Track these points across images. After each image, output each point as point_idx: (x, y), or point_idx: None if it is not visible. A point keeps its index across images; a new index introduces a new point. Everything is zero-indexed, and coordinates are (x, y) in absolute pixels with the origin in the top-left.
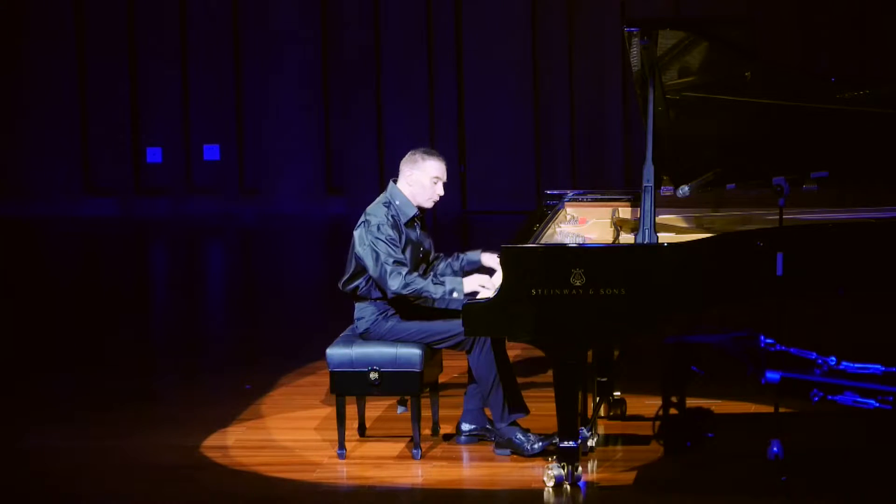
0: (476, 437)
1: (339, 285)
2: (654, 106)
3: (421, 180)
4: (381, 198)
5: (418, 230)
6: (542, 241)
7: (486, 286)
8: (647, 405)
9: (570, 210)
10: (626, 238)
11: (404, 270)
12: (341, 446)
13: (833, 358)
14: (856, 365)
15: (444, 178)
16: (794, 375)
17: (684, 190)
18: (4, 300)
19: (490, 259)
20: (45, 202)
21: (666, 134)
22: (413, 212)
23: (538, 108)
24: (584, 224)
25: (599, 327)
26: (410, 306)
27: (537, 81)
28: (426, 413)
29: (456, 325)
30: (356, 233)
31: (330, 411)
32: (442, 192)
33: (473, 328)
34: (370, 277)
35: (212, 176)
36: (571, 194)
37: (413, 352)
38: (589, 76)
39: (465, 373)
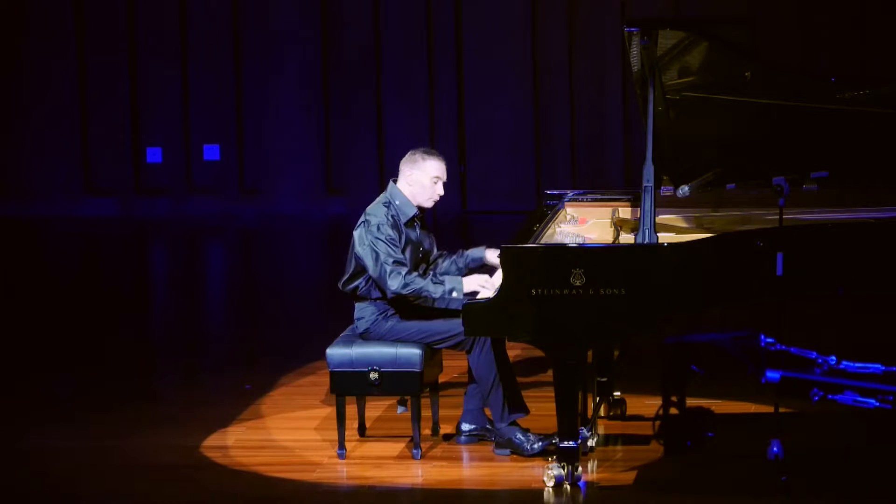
0: (476, 437)
1: (339, 285)
2: (654, 106)
3: (421, 180)
4: (381, 198)
5: (418, 230)
6: (542, 241)
7: (485, 286)
8: (647, 405)
9: (570, 210)
10: (626, 238)
11: (404, 270)
12: (341, 446)
13: (833, 357)
14: (856, 364)
15: (445, 177)
16: (795, 375)
17: (684, 190)
18: (4, 300)
19: (494, 255)
20: (45, 202)
21: (666, 134)
22: (413, 212)
23: (538, 108)
24: (584, 224)
25: (599, 327)
26: (410, 306)
27: (537, 81)
28: (426, 413)
29: (456, 325)
30: (356, 233)
31: (330, 411)
32: (442, 192)
33: (473, 328)
34: (370, 277)
35: (212, 176)
36: (571, 194)
37: (413, 352)
38: (589, 76)
39: (465, 373)
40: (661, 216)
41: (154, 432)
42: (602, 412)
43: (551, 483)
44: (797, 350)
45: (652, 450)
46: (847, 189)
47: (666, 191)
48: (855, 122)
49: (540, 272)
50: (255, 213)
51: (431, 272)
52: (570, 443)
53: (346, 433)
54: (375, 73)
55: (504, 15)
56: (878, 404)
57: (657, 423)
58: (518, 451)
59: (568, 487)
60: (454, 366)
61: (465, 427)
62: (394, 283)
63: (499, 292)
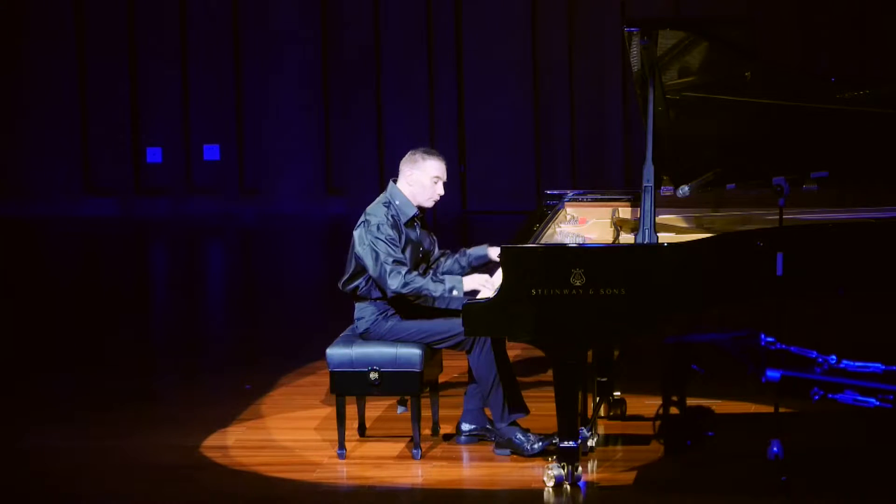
0: (476, 437)
1: (339, 285)
2: (654, 106)
3: (421, 180)
4: (381, 198)
5: (418, 230)
6: (542, 241)
7: (486, 285)
8: (647, 405)
9: (570, 210)
10: (626, 238)
11: (404, 270)
12: (341, 446)
13: (833, 356)
14: (856, 363)
15: (445, 177)
16: (795, 374)
17: (684, 190)
18: (4, 300)
19: (497, 252)
20: (45, 202)
21: (666, 134)
22: (413, 211)
23: (538, 108)
24: (584, 224)
25: (599, 327)
26: (410, 306)
27: (537, 81)
28: (426, 413)
29: (456, 324)
30: (356, 233)
31: (330, 411)
32: (442, 192)
33: (473, 328)
34: (370, 277)
35: (212, 176)
36: (571, 194)
37: (413, 352)
38: (589, 76)
39: (465, 373)
40: (661, 216)
41: (154, 432)
42: (602, 412)
43: (551, 483)
44: (797, 349)
45: (652, 450)
46: (847, 189)
47: (666, 191)
48: (855, 122)
49: (540, 272)
50: (255, 213)
51: (432, 271)
52: (570, 443)
53: (346, 433)
54: (375, 73)
55: (504, 15)
56: (878, 403)
57: (657, 422)
58: (518, 452)
59: (568, 487)
60: (454, 366)
61: (465, 427)
62: (394, 283)
63: (499, 292)
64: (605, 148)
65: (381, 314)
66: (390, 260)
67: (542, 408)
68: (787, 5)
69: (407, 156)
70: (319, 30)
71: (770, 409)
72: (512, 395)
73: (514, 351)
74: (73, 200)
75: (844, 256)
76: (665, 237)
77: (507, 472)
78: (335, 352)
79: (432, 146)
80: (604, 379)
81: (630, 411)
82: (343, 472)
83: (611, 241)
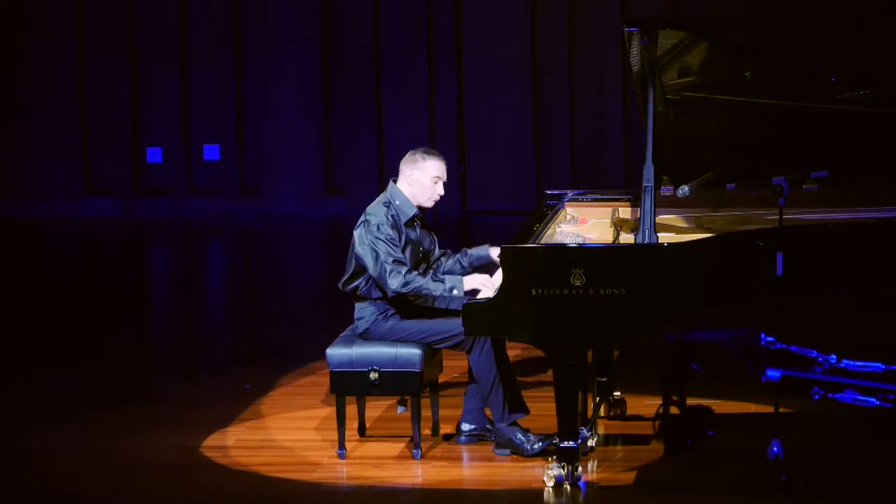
0: (476, 437)
1: (339, 285)
2: (654, 106)
3: (421, 180)
4: (381, 198)
5: (418, 230)
6: (542, 241)
7: (486, 284)
8: (647, 405)
9: (570, 210)
10: (626, 238)
11: (404, 269)
12: (341, 446)
13: (834, 356)
14: (856, 363)
15: (445, 177)
16: (795, 373)
17: (684, 190)
18: (4, 300)
19: (498, 253)
20: (45, 202)
21: (666, 134)
22: (413, 211)
23: (538, 108)
24: (584, 224)
25: (599, 327)
26: (410, 306)
27: (537, 81)
28: (426, 413)
29: (456, 324)
30: (356, 232)
31: (330, 411)
32: (442, 192)
33: (473, 328)
34: (370, 277)
35: (212, 176)
36: (571, 194)
37: (413, 352)
38: (589, 76)
39: (465, 373)
40: (661, 216)
41: (154, 432)
42: (602, 412)
43: (551, 483)
44: (797, 349)
45: (652, 450)
46: (847, 189)
47: (666, 191)
48: (855, 122)
49: (540, 272)
50: (255, 213)
51: (433, 271)
52: (570, 443)
53: (346, 433)
54: (375, 73)
55: (504, 15)
56: (878, 403)
57: (657, 422)
58: (518, 452)
59: (568, 487)
60: (454, 366)
61: (465, 427)
62: (394, 283)
63: (499, 292)
64: (605, 148)
65: (381, 314)
66: (390, 260)
67: (542, 408)
68: (787, 5)
69: (407, 156)
70: (319, 30)
71: (770, 409)
72: (512, 396)
73: (514, 351)
74: (73, 200)
75: (844, 256)
76: (665, 237)
77: (507, 472)
78: (335, 352)
79: (432, 146)
80: (604, 379)
81: (630, 411)
82: (343, 472)
83: (611, 241)
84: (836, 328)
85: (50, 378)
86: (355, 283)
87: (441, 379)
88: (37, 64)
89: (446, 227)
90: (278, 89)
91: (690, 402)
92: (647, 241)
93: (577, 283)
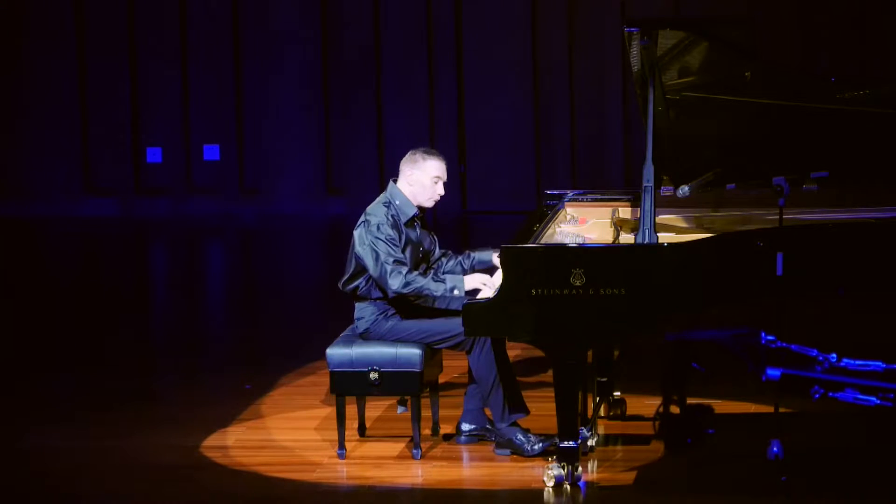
0: (476, 437)
1: (339, 285)
2: (654, 106)
3: (421, 180)
4: (381, 198)
5: (418, 230)
6: (542, 241)
7: (487, 284)
8: (647, 405)
9: (570, 210)
10: (626, 238)
11: (405, 270)
12: (341, 446)
13: (834, 355)
14: (857, 362)
15: (445, 177)
16: (795, 372)
17: (684, 190)
18: (4, 300)
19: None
20: (45, 202)
21: (666, 134)
22: (413, 211)
23: (538, 108)
24: (584, 224)
25: (599, 327)
26: (410, 306)
27: (537, 81)
28: (426, 413)
29: (456, 325)
30: (356, 232)
31: (330, 411)
32: (442, 192)
33: (473, 328)
34: (370, 277)
35: (212, 176)
36: (571, 194)
37: (413, 352)
38: (589, 76)
39: (465, 373)
40: (661, 216)
41: (154, 432)
42: (602, 412)
43: (551, 483)
44: (798, 347)
45: (652, 450)
46: (847, 189)
47: (666, 191)
48: (855, 122)
49: (540, 272)
50: (255, 213)
51: (433, 271)
52: (570, 443)
53: (346, 433)
54: (375, 73)
55: (504, 15)
56: (878, 402)
57: (657, 421)
58: (518, 452)
59: (568, 487)
60: (454, 366)
61: (465, 427)
62: (395, 283)
63: (499, 292)
64: (605, 148)
65: (381, 314)
66: (391, 260)
67: (542, 408)
68: (787, 5)
69: (407, 156)
70: (319, 30)
71: (770, 409)
72: (512, 396)
73: (514, 351)
74: (73, 200)
75: (844, 256)
76: (665, 237)
77: (507, 472)
78: (335, 352)
79: (432, 146)
80: (604, 379)
81: (630, 411)
82: (343, 472)
83: (611, 241)
84: (836, 328)
85: (50, 378)
86: (355, 283)
87: (441, 379)
88: (37, 64)
89: (446, 227)
90: (278, 89)
91: (690, 402)
92: (647, 241)
93: (577, 283)
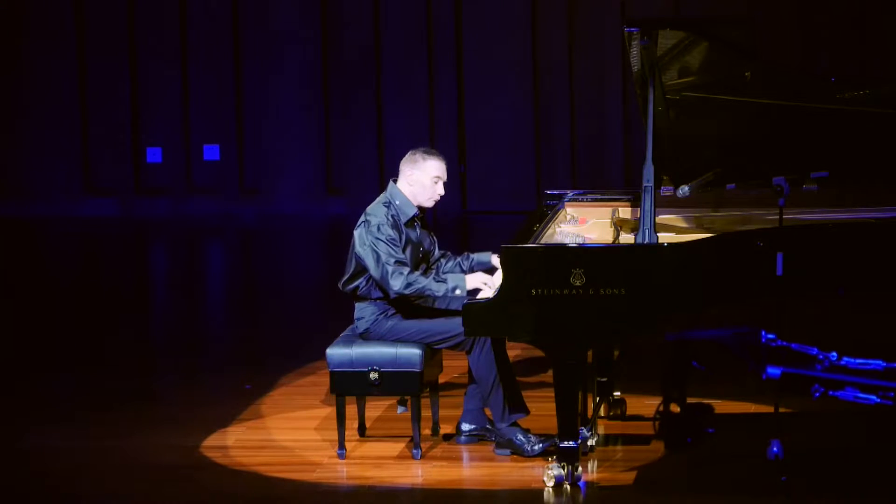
0: (476, 437)
1: (339, 285)
2: (654, 106)
3: (421, 180)
4: (381, 198)
5: (418, 230)
6: (542, 241)
7: (488, 283)
8: (647, 405)
9: (570, 210)
10: (626, 238)
11: (406, 270)
12: (341, 446)
13: (834, 353)
14: (857, 360)
15: (445, 177)
16: (796, 371)
17: (684, 190)
18: (4, 300)
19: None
20: (45, 202)
21: (666, 134)
22: (413, 211)
23: (538, 108)
24: (584, 224)
25: (599, 327)
26: (410, 306)
27: (537, 81)
28: (426, 413)
29: (456, 325)
30: (356, 233)
31: (330, 411)
32: (442, 192)
33: (473, 328)
34: (370, 277)
35: (212, 176)
36: (571, 194)
37: (413, 352)
38: (589, 76)
39: (465, 373)
40: (661, 216)
41: (154, 432)
42: (602, 412)
43: (551, 483)
44: (798, 346)
45: (652, 450)
46: (847, 189)
47: (666, 191)
48: (855, 122)
49: (540, 272)
50: (255, 213)
51: (434, 271)
52: (570, 443)
53: (346, 433)
54: (375, 73)
55: (504, 15)
56: (879, 401)
57: (658, 420)
58: (519, 453)
59: (568, 487)
60: (454, 366)
61: (465, 427)
62: (396, 283)
63: (499, 292)
64: (605, 148)
65: (381, 314)
66: (392, 261)
67: (542, 408)
68: (787, 5)
69: (407, 156)
70: (319, 30)
71: (770, 409)
72: (512, 396)
73: (514, 351)
74: (73, 200)
75: (844, 256)
76: (665, 237)
77: (507, 472)
78: (335, 352)
79: (432, 146)
80: (604, 379)
81: (630, 411)
82: (343, 472)
83: (611, 241)
84: (836, 328)
85: (50, 378)
86: (355, 283)
87: (441, 379)
88: (37, 64)
89: (446, 227)
90: (278, 89)
91: (690, 401)
92: (647, 241)
93: (577, 283)
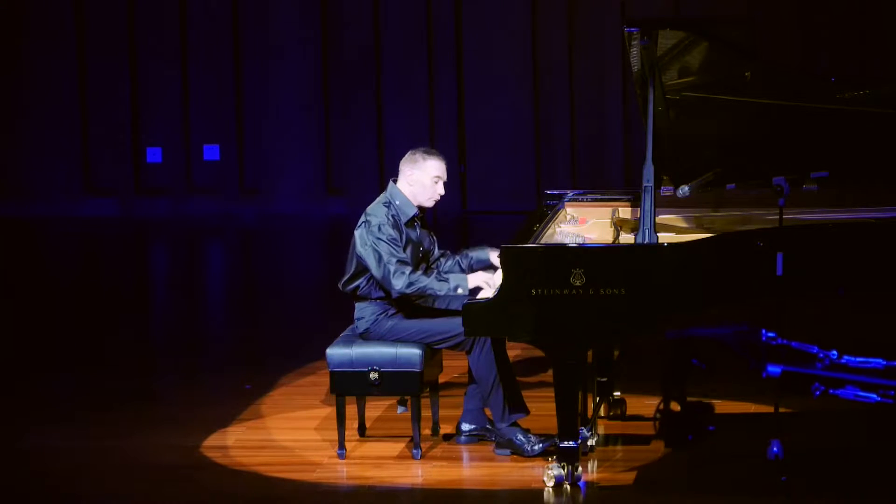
0: (476, 437)
1: (340, 285)
2: (654, 106)
3: (421, 180)
4: (381, 198)
5: (418, 229)
6: (542, 241)
7: (489, 282)
8: (647, 405)
9: (570, 210)
10: (626, 238)
11: (408, 270)
12: (341, 446)
13: (835, 352)
14: (857, 359)
15: (445, 177)
16: (796, 369)
17: (684, 190)
18: (4, 300)
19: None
20: (45, 202)
21: (666, 134)
22: (413, 211)
23: (538, 109)
24: (584, 224)
25: (599, 327)
26: (411, 306)
27: (537, 81)
28: (426, 413)
29: (456, 325)
30: (357, 233)
31: (330, 411)
32: (443, 192)
33: (473, 328)
34: (370, 277)
35: (212, 176)
36: (571, 194)
37: (413, 352)
38: (589, 76)
39: (465, 373)
40: (661, 216)
41: (154, 432)
42: (602, 412)
43: (551, 483)
44: (798, 344)
45: (652, 450)
46: (847, 189)
47: (666, 191)
48: (855, 122)
49: (540, 272)
50: (255, 213)
51: (434, 271)
52: (570, 443)
53: (346, 433)
54: (375, 73)
55: (504, 15)
56: (879, 399)
57: (658, 419)
58: (519, 453)
59: (568, 487)
60: (454, 366)
61: (465, 427)
62: (398, 283)
63: (499, 292)
64: (605, 148)
65: (381, 314)
66: (393, 260)
67: (542, 408)
68: (787, 5)
69: (407, 156)
70: (319, 30)
71: (770, 409)
72: (512, 396)
73: (514, 351)
74: (73, 200)
75: (844, 256)
76: (665, 237)
77: (507, 472)
78: (335, 352)
79: (432, 146)
80: (604, 379)
81: (630, 411)
82: (343, 472)
83: (611, 241)
84: (836, 328)
85: (50, 378)
86: (355, 283)
87: (441, 379)
88: (37, 64)
89: (446, 227)
90: (278, 89)
91: (691, 400)
92: (647, 241)
93: (577, 283)
